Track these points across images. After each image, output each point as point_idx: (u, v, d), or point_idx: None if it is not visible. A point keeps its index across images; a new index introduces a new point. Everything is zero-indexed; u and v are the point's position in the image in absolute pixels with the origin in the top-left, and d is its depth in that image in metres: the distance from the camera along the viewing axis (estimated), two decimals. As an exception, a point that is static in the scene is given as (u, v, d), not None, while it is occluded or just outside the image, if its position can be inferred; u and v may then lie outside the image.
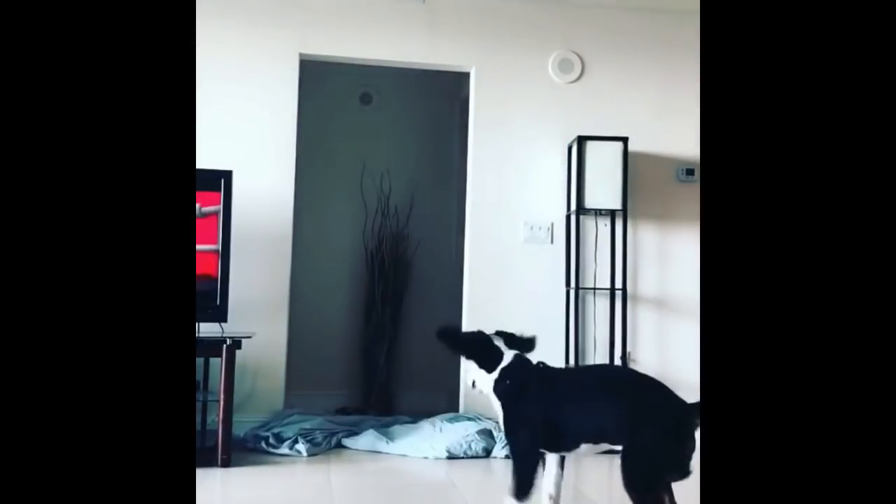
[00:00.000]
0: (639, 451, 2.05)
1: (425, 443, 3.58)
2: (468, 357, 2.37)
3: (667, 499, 2.10)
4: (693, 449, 2.07)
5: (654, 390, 2.18)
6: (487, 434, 3.64)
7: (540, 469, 2.22)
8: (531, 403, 2.23)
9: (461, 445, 3.55)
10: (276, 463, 3.37)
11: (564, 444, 2.22)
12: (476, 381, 2.35)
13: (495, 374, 2.29)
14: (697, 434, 2.05)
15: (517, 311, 4.12)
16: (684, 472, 2.07)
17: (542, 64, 4.25)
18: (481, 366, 2.33)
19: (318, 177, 5.09)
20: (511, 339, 2.36)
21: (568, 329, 4.10)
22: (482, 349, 2.34)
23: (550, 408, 2.20)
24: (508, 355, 2.31)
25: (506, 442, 2.28)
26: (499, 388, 2.28)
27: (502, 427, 2.31)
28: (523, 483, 2.19)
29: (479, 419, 3.81)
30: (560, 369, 2.39)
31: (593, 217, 4.15)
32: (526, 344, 2.36)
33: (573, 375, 2.40)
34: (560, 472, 2.32)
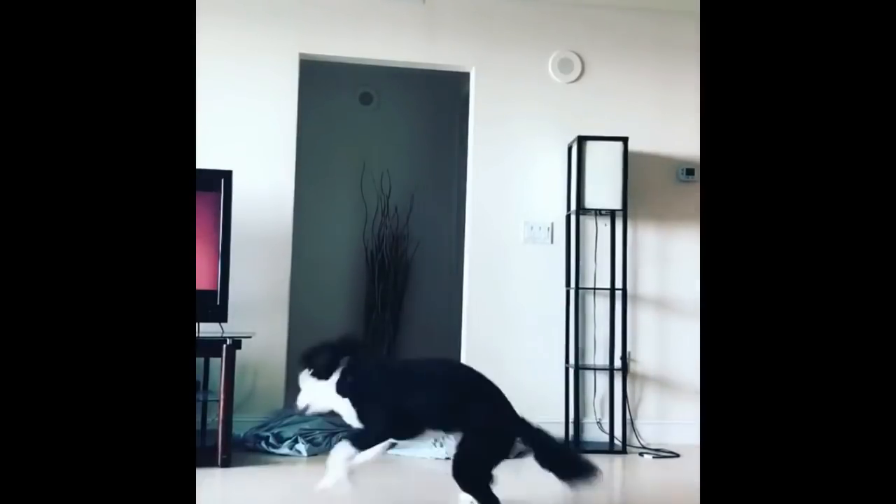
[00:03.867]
0: (469, 453, 2.37)
1: (425, 450, 3.58)
2: (310, 367, 2.53)
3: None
4: (505, 456, 2.41)
5: (492, 397, 2.44)
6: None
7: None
8: (380, 395, 2.47)
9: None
10: (276, 463, 3.36)
11: (411, 432, 2.50)
12: (310, 398, 2.52)
13: (335, 378, 2.48)
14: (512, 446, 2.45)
15: (517, 311, 4.13)
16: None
17: (542, 64, 4.24)
18: (319, 376, 2.50)
19: (318, 177, 5.09)
20: (341, 346, 2.55)
21: (568, 329, 4.10)
22: (318, 359, 2.51)
23: (401, 398, 2.45)
24: (343, 359, 2.49)
25: (362, 430, 2.50)
26: (342, 387, 2.47)
27: (356, 421, 2.49)
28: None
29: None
30: (402, 361, 2.64)
31: (593, 217, 4.15)
32: (351, 346, 2.59)
33: (417, 367, 2.66)
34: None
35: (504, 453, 2.42)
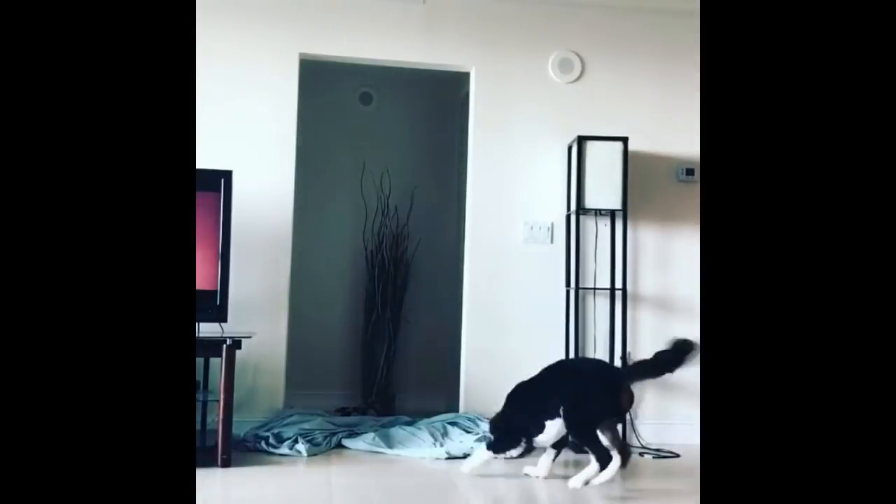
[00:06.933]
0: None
1: (425, 450, 3.58)
2: None
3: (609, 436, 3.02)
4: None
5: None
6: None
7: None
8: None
9: (461, 450, 3.55)
10: (276, 463, 3.36)
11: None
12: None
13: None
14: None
15: (517, 310, 4.12)
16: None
17: (541, 64, 4.24)
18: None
19: (318, 177, 5.09)
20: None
21: (568, 329, 4.10)
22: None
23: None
24: None
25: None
26: None
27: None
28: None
29: (479, 420, 3.81)
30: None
31: (593, 217, 4.15)
32: None
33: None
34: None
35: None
